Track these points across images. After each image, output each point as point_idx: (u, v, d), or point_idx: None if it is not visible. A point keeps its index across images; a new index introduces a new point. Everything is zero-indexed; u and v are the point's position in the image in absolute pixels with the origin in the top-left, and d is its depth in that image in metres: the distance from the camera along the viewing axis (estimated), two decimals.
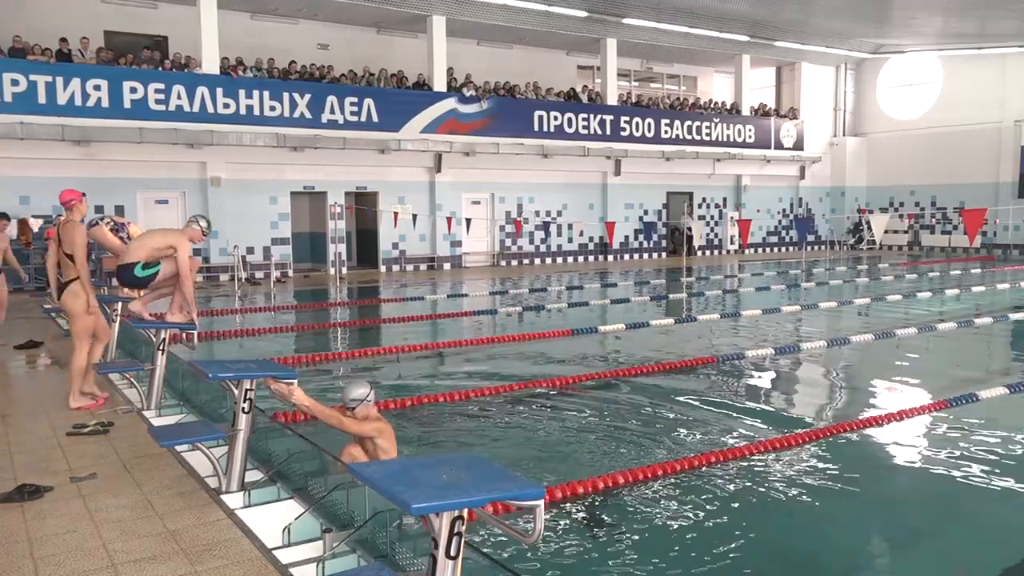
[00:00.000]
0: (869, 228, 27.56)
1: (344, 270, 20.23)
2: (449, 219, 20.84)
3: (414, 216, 20.51)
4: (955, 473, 5.21)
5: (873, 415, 6.53)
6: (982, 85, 26.90)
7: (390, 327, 11.42)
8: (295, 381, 4.61)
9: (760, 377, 7.99)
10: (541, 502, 2.56)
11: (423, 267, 21.99)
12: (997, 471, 5.16)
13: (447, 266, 22.27)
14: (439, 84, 21.36)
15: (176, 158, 18.21)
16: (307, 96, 19.25)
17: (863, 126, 30.71)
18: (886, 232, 27.52)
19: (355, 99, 19.92)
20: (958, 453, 5.63)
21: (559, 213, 24.10)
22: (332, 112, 19.58)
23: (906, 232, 29.25)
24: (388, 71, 21.35)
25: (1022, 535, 4.32)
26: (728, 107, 27.48)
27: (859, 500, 4.78)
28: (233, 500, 4.38)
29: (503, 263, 23.27)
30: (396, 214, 20.12)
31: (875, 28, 26.19)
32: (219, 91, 18.13)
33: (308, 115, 19.25)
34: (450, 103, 21.26)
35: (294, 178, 19.94)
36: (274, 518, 4.06)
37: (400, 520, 3.59)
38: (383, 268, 21.50)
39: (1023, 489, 4.84)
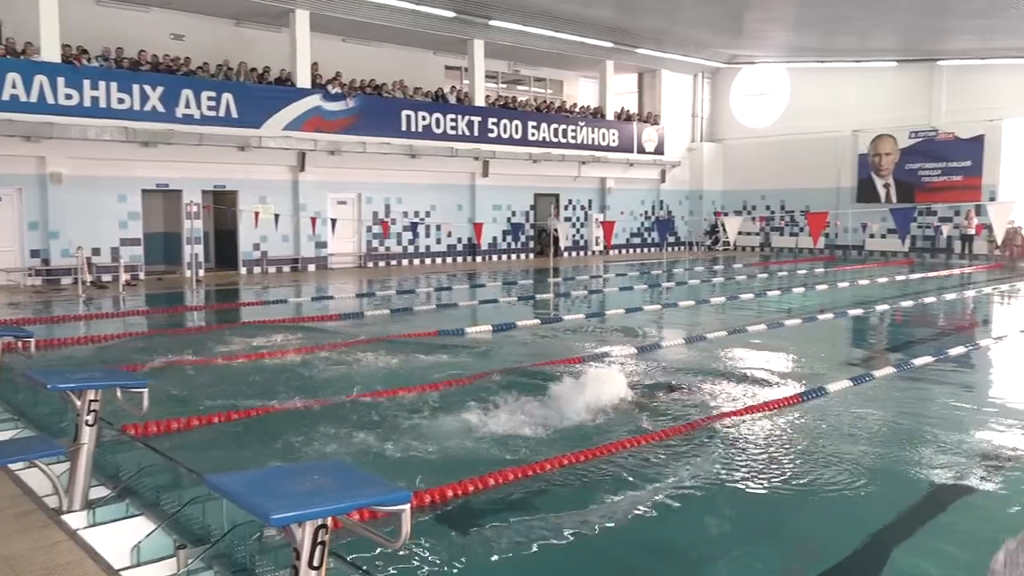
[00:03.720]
0: (724, 230, 29.00)
1: (201, 272, 19.38)
2: (313, 219, 20.37)
3: (276, 216, 19.91)
4: (803, 467, 5.50)
5: (725, 411, 6.81)
6: (824, 97, 28.85)
7: (250, 331, 11.03)
8: (145, 390, 4.37)
9: (621, 375, 8.20)
10: (407, 506, 2.53)
11: (286, 268, 21.38)
12: (842, 464, 5.49)
13: (311, 267, 21.75)
14: (303, 80, 20.83)
15: (11, 151, 16.88)
16: (159, 88, 18.31)
17: (719, 132, 32.30)
18: (740, 234, 29.05)
19: (212, 93, 19.13)
20: (810, 447, 5.95)
21: (427, 214, 24.01)
22: (187, 106, 18.71)
23: (758, 234, 30.98)
24: (248, 65, 20.63)
25: (858, 528, 4.62)
26: (593, 111, 28.23)
27: (713, 496, 4.99)
28: (76, 520, 4.10)
29: (370, 264, 22.95)
30: (257, 214, 19.48)
31: (729, 39, 27.59)
32: (60, 80, 16.95)
33: (161, 109, 18.31)
34: (314, 100, 20.77)
35: (146, 175, 18.93)
36: (122, 537, 3.83)
37: (261, 532, 3.47)
38: (243, 270, 20.75)
39: (864, 482, 5.19)
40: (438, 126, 23.20)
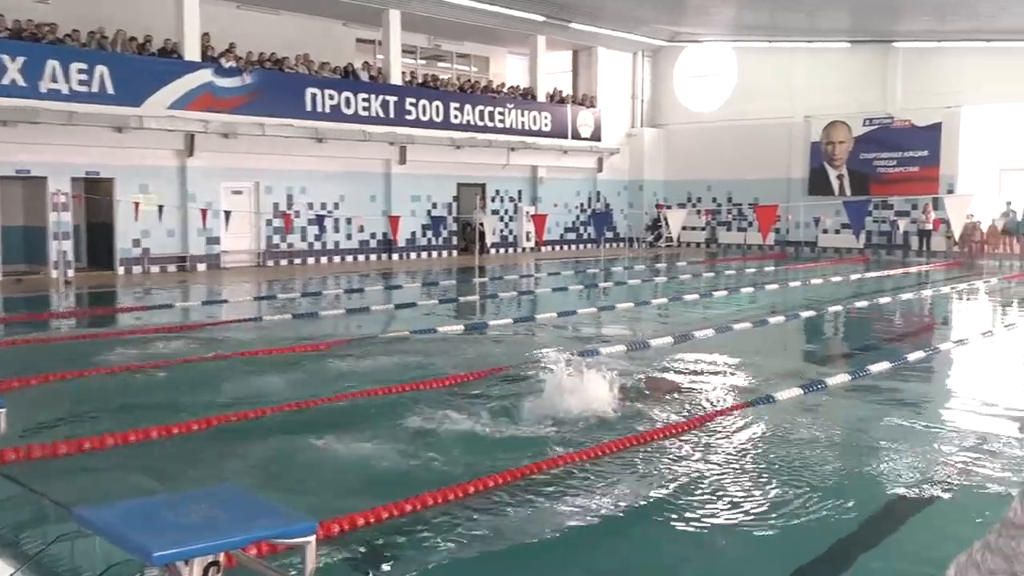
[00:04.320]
0: (667, 224, 29.49)
1: (71, 272, 18.74)
2: (204, 212, 19.92)
3: (160, 208, 19.41)
4: (748, 484, 5.63)
5: (666, 424, 6.93)
6: (774, 79, 29.63)
7: (128, 340, 10.72)
8: (3, 410, 4.20)
9: (552, 388, 8.01)
10: (312, 538, 2.49)
11: (172, 268, 20.87)
12: (789, 480, 5.64)
13: (202, 267, 21.28)
14: (191, 52, 20.36)
15: None
16: (20, 59, 17.65)
17: (661, 117, 32.87)
18: (684, 229, 29.47)
19: (84, 65, 18.54)
20: (756, 460, 6.11)
21: (336, 206, 23.76)
22: (54, 80, 18.09)
23: (703, 229, 31.64)
24: (127, 33, 20.03)
25: (807, 547, 4.74)
26: (522, 92, 28.37)
27: (657, 517, 5.07)
28: None
29: (270, 263, 22.60)
30: (137, 205, 18.96)
31: (671, 14, 28.12)
32: None
33: (22, 82, 17.66)
34: (205, 75, 20.34)
35: (3, 159, 18.22)
36: None
37: (141, 572, 3.36)
38: (121, 269, 20.16)
39: (814, 500, 5.32)
40: (348, 106, 22.97)
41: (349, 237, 24.31)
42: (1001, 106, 25.55)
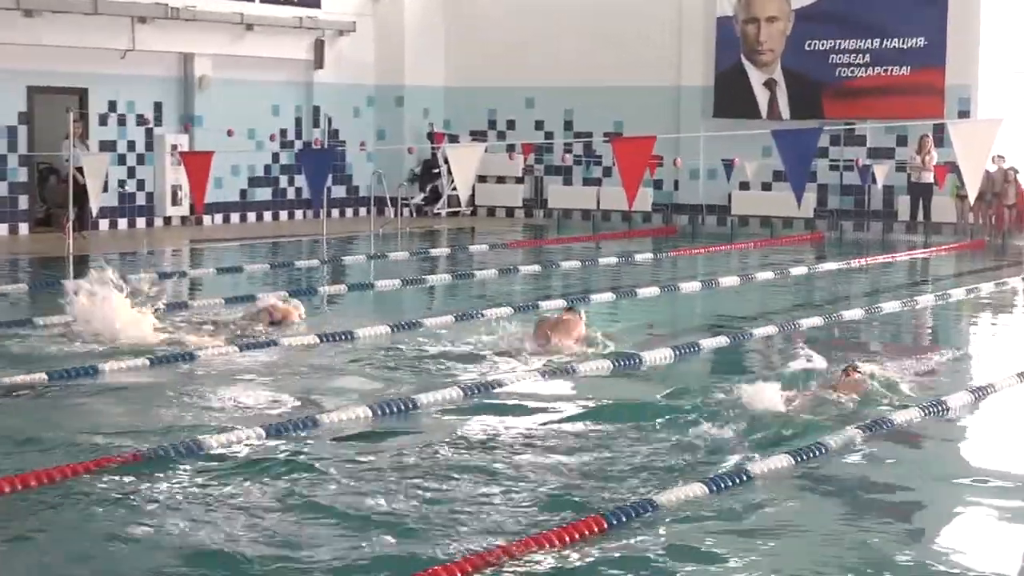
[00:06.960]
0: (450, 173, 29.56)
1: None
2: None
3: None
4: None
5: (471, 552, 6.97)
6: None
7: None
8: None
9: (232, 495, 8.29)
10: None
11: None
12: None
13: None
14: None
15: None
16: None
17: None
18: (482, 180, 29.67)
19: None
20: None
21: None
22: None
23: (519, 180, 32.11)
24: None
25: None
26: None
27: None
28: None
29: None
30: None
31: None
32: None
33: None
34: None
35: None
36: None
37: None
38: None
39: None
40: None
41: None
42: None
